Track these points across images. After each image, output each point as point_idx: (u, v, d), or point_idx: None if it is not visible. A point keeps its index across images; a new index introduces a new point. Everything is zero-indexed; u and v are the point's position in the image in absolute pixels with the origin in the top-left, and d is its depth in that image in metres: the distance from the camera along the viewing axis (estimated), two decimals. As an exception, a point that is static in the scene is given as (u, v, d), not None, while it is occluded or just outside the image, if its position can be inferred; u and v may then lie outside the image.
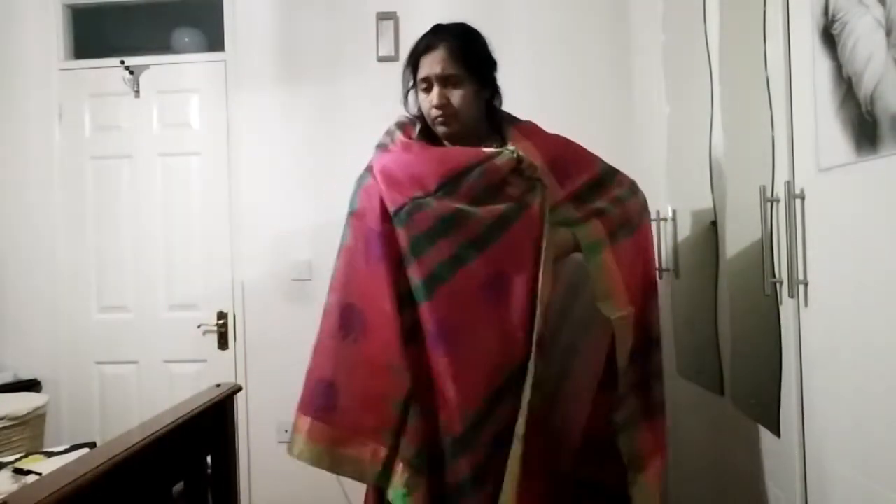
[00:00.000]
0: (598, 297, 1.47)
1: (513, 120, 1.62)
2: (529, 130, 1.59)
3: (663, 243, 2.05)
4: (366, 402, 1.37)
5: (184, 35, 3.11)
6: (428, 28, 1.56)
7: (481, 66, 1.54)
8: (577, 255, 1.50)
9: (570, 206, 1.51)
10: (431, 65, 1.49)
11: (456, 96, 1.50)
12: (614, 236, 1.50)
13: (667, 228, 2.02)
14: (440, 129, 1.54)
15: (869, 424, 1.03)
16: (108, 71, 2.89)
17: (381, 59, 2.72)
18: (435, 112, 1.50)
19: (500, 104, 1.63)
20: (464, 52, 1.50)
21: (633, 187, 1.61)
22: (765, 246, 1.29)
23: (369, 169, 1.52)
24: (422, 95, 1.54)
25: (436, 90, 1.49)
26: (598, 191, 1.54)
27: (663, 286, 2.10)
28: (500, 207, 1.39)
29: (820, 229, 1.16)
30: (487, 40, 1.57)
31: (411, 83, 1.57)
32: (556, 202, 1.49)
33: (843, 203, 1.08)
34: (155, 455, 1.38)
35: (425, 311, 1.36)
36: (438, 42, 1.50)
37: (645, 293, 1.55)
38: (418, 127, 1.59)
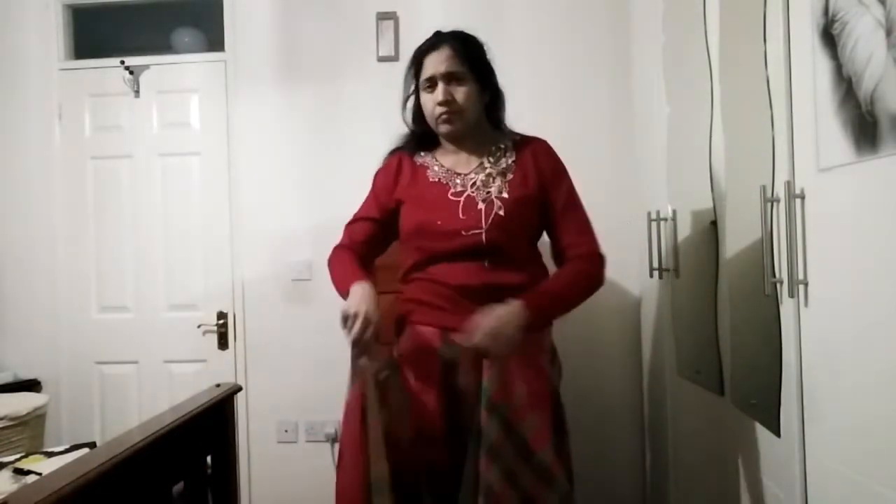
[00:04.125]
0: None
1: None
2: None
3: (663, 243, 2.05)
4: None
5: (184, 35, 3.11)
6: (428, 32, 1.59)
7: (483, 68, 1.59)
8: None
9: None
10: (436, 63, 1.53)
11: (460, 93, 1.53)
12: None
13: (667, 228, 2.01)
14: (443, 129, 1.56)
15: (869, 424, 1.03)
16: (108, 71, 2.89)
17: (381, 59, 2.72)
18: (439, 109, 1.53)
19: (504, 108, 1.65)
20: (467, 52, 1.55)
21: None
22: (765, 246, 1.29)
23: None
24: (425, 97, 1.57)
25: (440, 87, 1.53)
26: None
27: (663, 286, 2.10)
28: None
29: (820, 229, 1.16)
30: (487, 48, 1.61)
31: (412, 88, 1.61)
32: None
33: (843, 203, 1.08)
34: (155, 455, 1.38)
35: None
36: (442, 42, 1.55)
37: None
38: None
